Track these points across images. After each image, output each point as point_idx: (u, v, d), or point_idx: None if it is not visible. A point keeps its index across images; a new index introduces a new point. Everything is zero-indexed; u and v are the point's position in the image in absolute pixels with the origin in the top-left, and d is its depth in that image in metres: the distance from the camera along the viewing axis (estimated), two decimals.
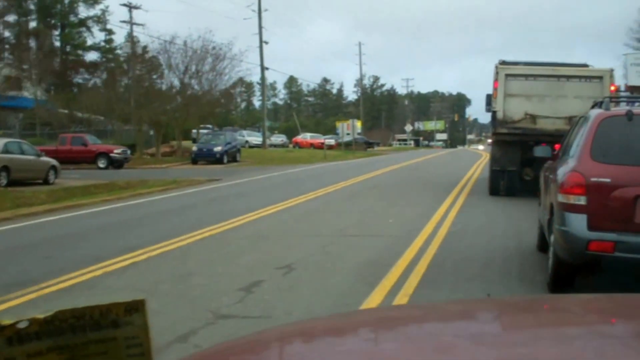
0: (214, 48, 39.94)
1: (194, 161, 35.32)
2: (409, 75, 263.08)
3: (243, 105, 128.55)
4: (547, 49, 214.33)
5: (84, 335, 0.86)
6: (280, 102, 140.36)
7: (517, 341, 1.33)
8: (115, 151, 32.73)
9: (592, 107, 7.35)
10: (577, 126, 7.20)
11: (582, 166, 5.99)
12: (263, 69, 51.39)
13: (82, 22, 60.70)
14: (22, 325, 0.82)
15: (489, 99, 16.37)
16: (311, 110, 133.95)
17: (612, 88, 14.38)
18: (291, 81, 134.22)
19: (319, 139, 59.98)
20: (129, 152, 33.96)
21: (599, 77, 14.66)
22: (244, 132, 57.76)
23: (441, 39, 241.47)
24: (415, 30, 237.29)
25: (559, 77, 14.83)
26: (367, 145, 64.37)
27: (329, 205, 13.95)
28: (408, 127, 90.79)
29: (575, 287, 6.27)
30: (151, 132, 43.10)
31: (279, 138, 68.52)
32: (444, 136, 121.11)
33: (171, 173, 28.65)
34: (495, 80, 15.04)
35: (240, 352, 1.37)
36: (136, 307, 0.89)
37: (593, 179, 5.84)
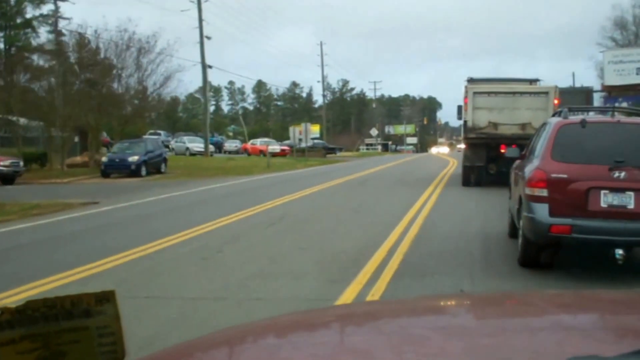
0: (131, 39, 34.00)
1: (105, 174, 29.37)
2: (380, 79, 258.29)
3: (211, 110, 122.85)
4: (515, 52, 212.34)
5: (57, 324, 0.85)
6: (250, 107, 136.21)
7: (485, 333, 1.37)
8: (1, 163, 26.60)
9: (553, 115, 9.38)
10: (541, 131, 8.56)
11: (544, 164, 7.24)
12: (205, 66, 45.37)
13: (28, 23, 55.16)
14: None
15: (460, 110, 20.53)
16: (281, 115, 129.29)
17: (556, 102, 17.38)
18: (260, 85, 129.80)
19: (271, 145, 54.25)
20: (20, 164, 27.92)
21: (545, 93, 18.36)
22: (185, 138, 51.48)
23: (411, 44, 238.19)
24: (385, 36, 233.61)
25: (514, 93, 18.48)
26: (326, 151, 58.64)
27: (163, 272, 8.05)
28: (374, 131, 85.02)
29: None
30: (76, 139, 37.29)
31: (232, 144, 62.81)
32: (414, 140, 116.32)
33: (62, 191, 22.76)
34: (465, 96, 18.82)
35: (208, 348, 1.34)
36: (107, 298, 0.88)
37: (553, 175, 7.07)
